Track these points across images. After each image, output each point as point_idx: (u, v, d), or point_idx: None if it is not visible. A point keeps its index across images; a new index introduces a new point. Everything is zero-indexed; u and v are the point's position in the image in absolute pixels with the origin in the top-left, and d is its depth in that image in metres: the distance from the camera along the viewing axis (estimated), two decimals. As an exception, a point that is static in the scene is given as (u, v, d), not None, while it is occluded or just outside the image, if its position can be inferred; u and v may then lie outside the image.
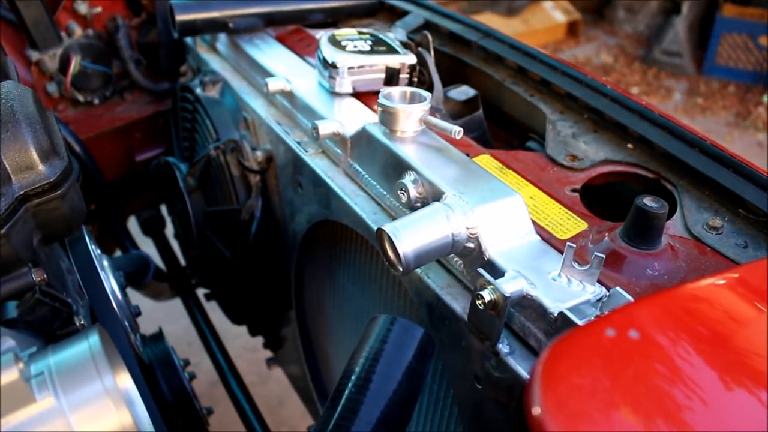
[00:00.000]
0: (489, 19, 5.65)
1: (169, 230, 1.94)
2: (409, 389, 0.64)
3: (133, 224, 2.06)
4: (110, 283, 1.12)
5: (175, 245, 1.95)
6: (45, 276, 0.77)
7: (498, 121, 1.33)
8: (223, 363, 1.66)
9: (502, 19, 5.83)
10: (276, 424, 2.61)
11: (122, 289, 1.19)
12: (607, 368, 0.42)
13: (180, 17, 1.38)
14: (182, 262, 1.92)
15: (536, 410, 0.38)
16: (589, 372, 0.42)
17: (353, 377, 0.63)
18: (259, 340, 1.84)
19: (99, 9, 1.84)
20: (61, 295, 0.78)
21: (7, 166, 0.75)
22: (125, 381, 0.65)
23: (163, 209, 2.02)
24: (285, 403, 2.73)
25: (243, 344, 2.86)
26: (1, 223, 0.72)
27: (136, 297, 1.84)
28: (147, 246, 1.95)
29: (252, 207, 1.28)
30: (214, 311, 1.83)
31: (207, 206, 1.42)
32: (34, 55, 1.78)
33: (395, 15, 1.56)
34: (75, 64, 1.80)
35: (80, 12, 1.81)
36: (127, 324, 1.13)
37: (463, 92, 1.25)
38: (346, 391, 0.61)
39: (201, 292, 1.87)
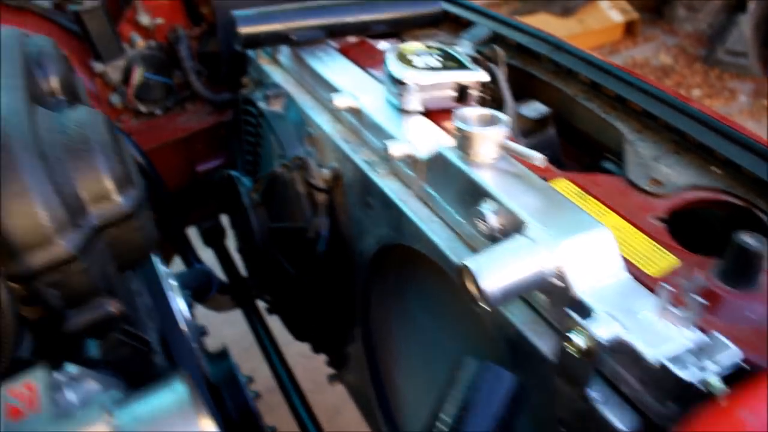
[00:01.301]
0: (544, 20, 5.56)
1: (230, 241, 1.94)
2: None
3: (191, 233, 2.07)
4: (179, 305, 1.12)
5: (235, 255, 1.95)
6: (122, 307, 0.76)
7: (568, 137, 1.29)
8: (284, 374, 1.65)
9: (557, 20, 5.73)
10: (332, 433, 2.60)
11: (190, 308, 1.18)
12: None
13: (243, 30, 1.37)
14: (242, 273, 1.92)
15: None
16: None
17: (444, 427, 0.60)
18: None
19: (160, 20, 1.85)
20: (142, 334, 0.77)
21: (83, 197, 0.74)
22: (208, 427, 0.63)
23: (223, 219, 2.02)
24: (341, 411, 2.72)
25: (299, 350, 2.84)
26: (79, 255, 0.71)
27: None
28: (206, 255, 1.96)
29: (319, 225, 1.26)
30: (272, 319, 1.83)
31: (271, 222, 1.41)
32: (98, 67, 1.80)
33: (459, 25, 1.52)
34: (138, 75, 1.81)
35: (142, 23, 1.82)
36: (196, 345, 1.12)
37: (535, 109, 1.21)
38: None
39: (261, 303, 1.86)
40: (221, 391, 1.22)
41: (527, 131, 1.21)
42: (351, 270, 1.28)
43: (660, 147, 1.06)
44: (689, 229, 1.06)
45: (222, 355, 1.34)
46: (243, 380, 1.30)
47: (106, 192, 0.75)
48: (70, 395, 0.67)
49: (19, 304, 0.69)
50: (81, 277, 0.72)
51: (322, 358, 1.86)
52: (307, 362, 2.85)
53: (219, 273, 1.91)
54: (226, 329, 3.03)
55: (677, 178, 0.99)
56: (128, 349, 0.74)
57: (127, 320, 0.79)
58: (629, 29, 6.11)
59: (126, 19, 1.83)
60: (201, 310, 2.28)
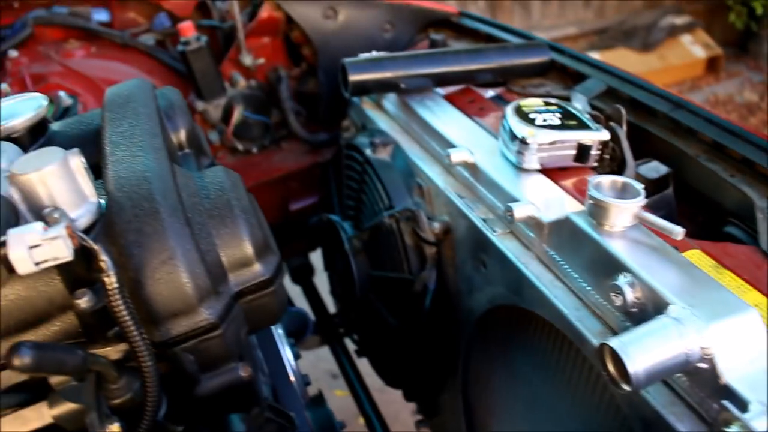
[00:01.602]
0: (623, 55, 5.47)
1: (319, 280, 1.95)
2: None
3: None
4: (286, 355, 1.12)
5: (323, 293, 1.96)
6: (252, 371, 0.76)
7: (682, 194, 1.25)
8: (371, 413, 1.64)
9: (637, 55, 5.64)
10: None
11: (296, 358, 1.18)
12: None
13: (353, 78, 1.38)
14: (331, 310, 1.93)
15: None
16: None
17: None
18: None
19: (262, 60, 1.88)
20: (287, 412, 0.77)
21: (225, 263, 0.74)
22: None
23: (312, 256, 2.04)
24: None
25: (370, 383, 2.85)
26: (219, 321, 0.71)
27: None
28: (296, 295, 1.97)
29: (426, 278, 1.25)
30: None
31: (372, 269, 1.40)
32: (200, 105, 1.84)
33: (566, 75, 1.50)
34: (237, 114, 1.85)
35: (245, 63, 1.86)
36: (301, 396, 1.12)
37: (654, 169, 1.17)
38: None
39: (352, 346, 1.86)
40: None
41: (645, 191, 1.17)
42: (456, 324, 1.26)
43: (794, 215, 1.02)
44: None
45: (318, 400, 1.34)
46: (338, 425, 1.30)
47: (247, 259, 0.76)
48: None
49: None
50: (217, 343, 0.73)
51: (391, 392, 1.85)
52: (378, 396, 2.84)
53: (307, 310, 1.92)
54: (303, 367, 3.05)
55: (815, 251, 0.94)
56: (274, 427, 0.74)
57: (252, 384, 0.79)
58: (712, 65, 5.97)
59: (229, 58, 1.87)
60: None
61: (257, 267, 0.75)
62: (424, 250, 1.25)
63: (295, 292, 1.97)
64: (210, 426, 0.74)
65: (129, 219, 0.71)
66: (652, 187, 1.18)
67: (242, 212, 0.76)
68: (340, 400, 2.90)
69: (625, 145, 1.13)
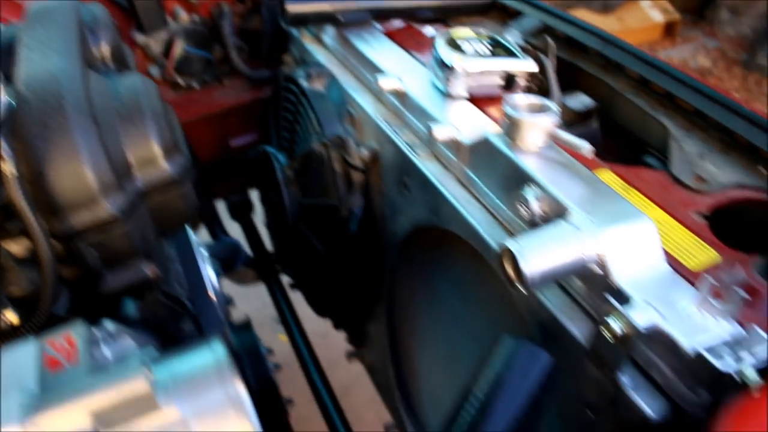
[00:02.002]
0: (582, 16, 5.46)
1: (257, 216, 1.95)
2: (532, 418, 0.61)
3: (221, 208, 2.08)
4: (208, 274, 1.13)
5: (262, 230, 1.96)
6: (158, 271, 0.77)
7: (609, 131, 1.28)
8: (304, 349, 1.66)
9: (596, 16, 5.66)
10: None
11: (219, 278, 1.19)
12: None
13: (291, 8, 1.37)
14: (269, 247, 1.93)
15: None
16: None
17: (475, 402, 0.60)
18: (329, 326, 1.83)
19: (206, -5, 1.85)
20: (180, 296, 0.78)
21: (131, 161, 0.75)
22: (241, 389, 0.64)
23: (251, 194, 2.04)
24: (351, 392, 2.73)
25: (313, 329, 2.86)
26: (122, 217, 0.72)
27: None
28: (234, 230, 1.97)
29: (352, 204, 1.26)
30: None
31: (303, 198, 1.41)
32: (140, 38, 1.81)
33: (507, 14, 1.51)
34: (179, 48, 1.82)
35: (188, -2, 1.83)
36: (222, 314, 1.13)
37: (580, 102, 1.20)
38: (467, 415, 0.59)
39: (285, 279, 1.87)
40: (242, 361, 1.23)
41: (570, 123, 1.20)
42: (381, 249, 1.28)
43: (707, 145, 1.05)
44: (732, 227, 1.05)
45: (245, 327, 1.35)
46: (264, 351, 1.32)
47: (153, 157, 0.76)
48: (107, 351, 0.68)
49: (58, 263, 0.70)
50: (121, 239, 0.73)
51: (335, 338, 1.87)
52: (321, 341, 2.86)
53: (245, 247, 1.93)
54: (242, 305, 3.06)
55: (722, 177, 0.98)
56: (166, 310, 0.75)
57: (162, 284, 0.80)
58: (669, 30, 6.02)
59: (170, -8, 1.84)
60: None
61: (164, 166, 0.76)
62: (352, 177, 1.26)
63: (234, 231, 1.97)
64: (104, 307, 0.75)
65: (35, 114, 0.71)
66: (579, 119, 1.21)
67: (152, 114, 0.77)
68: (284, 345, 2.93)
69: (552, 76, 1.15)
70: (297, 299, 1.81)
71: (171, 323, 0.79)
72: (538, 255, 0.72)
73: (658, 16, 5.94)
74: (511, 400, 0.60)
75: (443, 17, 1.52)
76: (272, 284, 1.90)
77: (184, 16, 1.84)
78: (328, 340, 2.52)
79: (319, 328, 2.82)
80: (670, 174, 0.99)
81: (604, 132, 1.27)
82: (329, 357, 2.74)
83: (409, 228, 1.14)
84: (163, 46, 1.83)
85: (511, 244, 0.73)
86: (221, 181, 2.01)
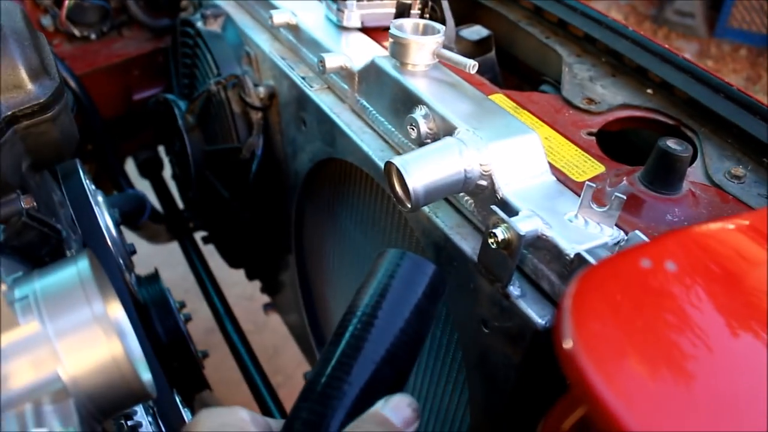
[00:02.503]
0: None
1: (167, 172, 1.90)
2: (418, 329, 0.61)
3: (130, 166, 2.02)
4: (104, 219, 1.08)
5: (173, 187, 1.91)
6: (34, 203, 0.73)
7: (510, 65, 1.28)
8: (221, 308, 1.63)
9: (512, -26, 5.71)
10: (271, 373, 2.60)
11: (117, 225, 1.15)
12: (642, 299, 0.38)
13: (182, -52, 1.32)
14: (180, 204, 1.88)
15: (567, 343, 0.34)
16: (623, 303, 0.38)
17: (358, 313, 0.59)
18: (256, 289, 1.81)
19: (98, -60, 1.77)
20: (51, 221, 0.74)
21: (-6, 83, 0.70)
22: (116, 311, 0.61)
23: (162, 151, 1.98)
24: (280, 352, 2.72)
25: (240, 293, 2.84)
26: (-12, 144, 0.68)
27: (132, 239, 1.81)
28: (145, 189, 1.91)
29: (253, 145, 1.23)
30: (211, 258, 1.80)
31: (206, 145, 1.37)
32: (28, -15, 1.72)
33: (406, -48, 1.49)
34: (71, -4, 1.74)
35: (76, -58, 1.74)
36: (121, 261, 1.09)
37: (475, 32, 1.19)
38: (350, 327, 0.57)
39: (199, 236, 1.83)
40: (149, 311, 1.20)
41: (467, 55, 1.19)
42: (285, 191, 1.26)
43: (597, 69, 1.06)
44: (623, 152, 1.07)
45: (153, 278, 1.31)
46: (173, 303, 1.28)
47: (18, 81, 0.72)
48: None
49: None
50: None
51: (261, 300, 1.85)
52: (247, 304, 2.84)
53: (157, 206, 1.88)
54: (166, 272, 3.00)
55: (611, 98, 0.99)
56: (35, 234, 0.71)
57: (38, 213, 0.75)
58: (582, -13, 6.11)
59: (60, -63, 1.75)
60: (142, 251, 2.24)
61: (31, 89, 0.72)
62: (251, 117, 1.23)
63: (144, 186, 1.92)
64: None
65: None
66: (475, 50, 1.21)
67: (13, 33, 0.72)
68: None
69: (446, 5, 1.14)
70: (217, 264, 1.77)
71: (47, 250, 0.75)
72: (422, 169, 0.72)
73: (571, -28, 6.01)
74: (395, 312, 0.58)
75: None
76: (185, 242, 1.86)
77: (75, -38, 1.75)
78: (256, 302, 2.49)
79: (245, 291, 2.80)
80: (561, 97, 0.99)
81: (506, 66, 1.28)
82: (257, 320, 2.73)
83: (309, 164, 1.13)
84: (53, -5, 1.75)
85: (396, 159, 0.73)
86: (128, 137, 1.94)
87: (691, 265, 0.42)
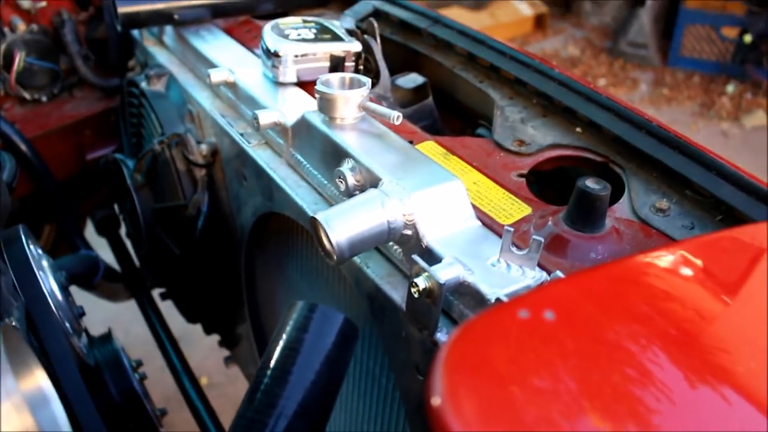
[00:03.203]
0: (456, 13, 5.63)
1: (124, 229, 1.90)
2: (330, 379, 0.61)
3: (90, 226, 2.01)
4: (49, 284, 1.08)
5: (129, 244, 1.91)
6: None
7: (451, 109, 1.31)
8: (178, 365, 1.62)
9: (470, 13, 5.82)
10: (243, 425, 2.57)
11: (63, 289, 1.15)
12: (517, 354, 0.39)
13: (122, 9, 1.34)
14: (137, 261, 1.88)
15: (435, 401, 0.35)
16: (497, 358, 0.39)
17: (270, 369, 0.60)
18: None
19: (43, 3, 1.79)
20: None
21: None
22: (39, 381, 0.61)
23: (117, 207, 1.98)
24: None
25: (211, 344, 2.81)
26: None
27: (95, 300, 1.80)
28: (105, 247, 1.91)
29: (198, 202, 1.24)
30: (176, 312, 1.80)
31: (155, 203, 1.38)
32: (-25, 52, 1.73)
33: (347, 5, 1.53)
34: (19, 60, 1.75)
35: (23, 6, 1.76)
36: (68, 325, 1.09)
37: (411, 80, 1.22)
38: (263, 384, 0.58)
39: (157, 292, 1.82)
40: (102, 373, 1.19)
41: (406, 102, 1.22)
42: (233, 245, 1.27)
43: (528, 111, 1.09)
44: (561, 189, 1.10)
45: (105, 339, 1.30)
46: (128, 362, 1.27)
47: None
48: None
49: None
50: None
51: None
52: (219, 354, 2.81)
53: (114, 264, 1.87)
54: (135, 327, 2.96)
55: (541, 138, 1.01)
56: None
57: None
58: (539, 22, 6.26)
59: (5, 1, 1.76)
60: (112, 309, 2.22)
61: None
62: (195, 174, 1.24)
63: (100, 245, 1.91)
64: None
65: None
66: (413, 97, 1.23)
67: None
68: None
69: (379, 56, 1.17)
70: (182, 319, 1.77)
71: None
72: (344, 222, 0.73)
73: (527, 10, 6.16)
74: (306, 365, 0.59)
75: (284, 11, 1.52)
76: (143, 300, 1.85)
77: (22, 26, 1.77)
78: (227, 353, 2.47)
79: (215, 343, 2.78)
80: (493, 140, 1.02)
81: (449, 111, 1.30)
82: (228, 371, 2.70)
83: (252, 218, 1.14)
84: (2, 59, 1.75)
85: (319, 215, 0.74)
86: (84, 196, 1.94)
87: (569, 313, 0.44)
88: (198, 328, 1.89)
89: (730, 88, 5.12)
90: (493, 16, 5.97)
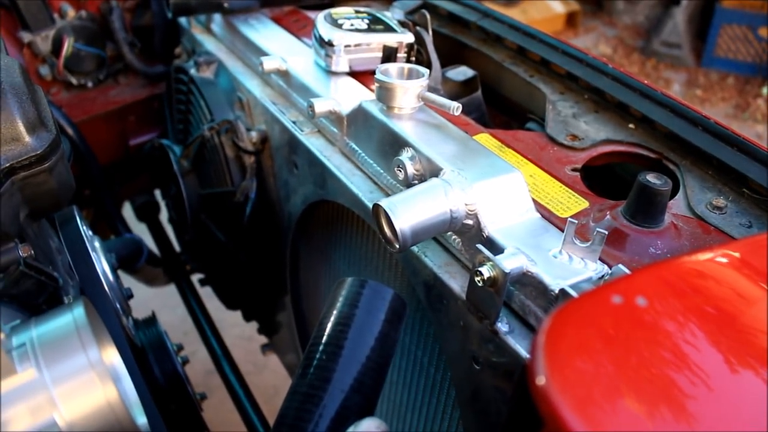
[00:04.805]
0: (487, 10, 5.61)
1: (164, 215, 1.92)
2: (382, 354, 0.62)
3: (128, 211, 2.04)
4: (101, 264, 1.10)
5: (169, 231, 1.93)
6: (32, 252, 0.75)
7: (498, 104, 1.31)
8: (218, 350, 1.64)
9: (501, 9, 5.77)
10: (271, 413, 2.59)
11: (114, 270, 1.17)
12: (614, 336, 0.40)
13: (174, -2, 1.36)
14: (177, 247, 1.90)
15: (540, 380, 0.36)
16: (595, 340, 0.40)
17: (322, 344, 0.60)
18: (255, 329, 1.82)
19: (92, -10, 1.81)
20: (48, 269, 0.76)
21: (-8, 137, 0.73)
22: (112, 356, 0.63)
23: (158, 194, 2.00)
24: (280, 392, 2.71)
25: (239, 333, 2.85)
26: (-13, 196, 0.70)
27: (130, 283, 1.82)
28: (142, 233, 1.93)
29: (247, 188, 1.25)
30: (210, 300, 1.81)
31: (201, 189, 1.40)
32: (26, 37, 1.75)
33: (393, -3, 1.53)
34: (68, 46, 1.77)
35: (73, -8, 1.78)
36: (118, 305, 1.11)
37: (461, 72, 1.22)
38: (316, 359, 0.59)
39: (196, 278, 1.84)
40: (147, 355, 1.21)
41: (454, 95, 1.22)
42: (279, 233, 1.28)
43: (580, 106, 1.09)
44: (608, 185, 1.10)
45: (150, 321, 1.32)
46: (171, 346, 1.29)
47: (16, 133, 0.74)
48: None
49: None
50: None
51: (260, 340, 1.85)
52: (247, 344, 2.85)
53: (154, 249, 1.89)
54: (165, 314, 3.00)
55: (594, 134, 1.01)
56: (33, 282, 0.73)
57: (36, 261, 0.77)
58: (570, 20, 6.21)
59: (56, -12, 1.79)
60: (141, 294, 2.25)
61: (29, 141, 0.74)
62: (244, 161, 1.25)
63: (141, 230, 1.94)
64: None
65: None
66: (462, 90, 1.23)
67: (11, 87, 0.75)
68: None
69: (431, 48, 1.17)
70: (215, 305, 1.78)
71: (44, 298, 0.77)
72: (409, 210, 0.74)
73: (559, 7, 6.12)
74: (359, 340, 0.60)
75: (332, 2, 1.53)
76: (183, 285, 1.87)
77: (71, 12, 1.79)
78: (255, 342, 2.49)
79: (244, 332, 2.80)
80: (546, 134, 1.02)
81: (494, 105, 1.31)
82: (257, 361, 2.73)
83: (302, 206, 1.15)
84: (51, 45, 1.78)
85: (383, 201, 0.75)
86: (125, 181, 1.97)
87: (661, 299, 0.44)
88: (226, 316, 1.91)
89: (766, 90, 5.06)
90: (524, 12, 5.94)
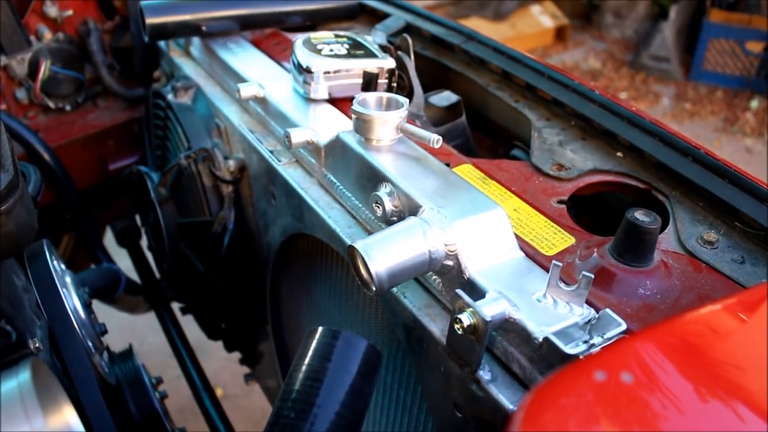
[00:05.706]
0: (476, 24, 5.60)
1: (145, 241, 1.88)
2: (355, 410, 0.58)
3: (110, 235, 2.00)
4: (72, 301, 1.06)
5: (150, 256, 1.89)
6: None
7: (483, 128, 1.28)
8: (197, 379, 1.59)
9: (490, 24, 5.79)
10: (258, 438, 2.55)
11: (86, 306, 1.12)
12: (594, 420, 0.36)
13: (150, 20, 1.32)
14: (157, 274, 1.86)
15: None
16: (576, 424, 0.36)
17: (291, 401, 0.57)
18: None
19: (70, 12, 1.77)
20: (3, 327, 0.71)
21: (-56, 179, 0.69)
22: (67, 417, 0.59)
23: (139, 219, 1.96)
24: (268, 415, 2.66)
25: (227, 355, 2.79)
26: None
27: (112, 311, 1.78)
28: (123, 257, 1.89)
29: (224, 219, 1.22)
30: (195, 323, 1.77)
31: (180, 217, 1.36)
32: (2, 60, 1.71)
33: (376, 18, 1.50)
34: (44, 69, 1.73)
35: (50, 15, 1.75)
36: (90, 343, 1.07)
37: (444, 98, 1.19)
38: (284, 417, 0.55)
39: (177, 306, 1.80)
40: (123, 392, 1.17)
41: (438, 120, 1.19)
42: (259, 264, 1.24)
43: (567, 133, 1.06)
44: (596, 213, 1.06)
45: (126, 355, 1.28)
46: (148, 380, 1.25)
47: (-33, 174, 0.70)
48: None
49: None
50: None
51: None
52: (234, 367, 2.80)
53: (134, 275, 1.85)
54: (151, 336, 2.95)
55: (581, 163, 0.98)
56: None
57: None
58: (560, 34, 6.22)
59: (32, 10, 1.75)
60: (123, 317, 2.20)
61: (-19, 184, 0.70)
62: (222, 190, 1.21)
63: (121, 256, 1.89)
64: None
65: None
66: (446, 116, 1.20)
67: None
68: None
69: (413, 73, 1.14)
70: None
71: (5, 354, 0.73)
72: (385, 252, 0.70)
73: (548, 22, 6.12)
74: (330, 397, 0.56)
75: (313, 24, 1.50)
76: (162, 313, 1.82)
77: (48, 34, 1.76)
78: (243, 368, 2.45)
79: (233, 354, 2.76)
80: (531, 164, 0.98)
81: (480, 128, 1.27)
82: (244, 383, 2.68)
83: (281, 238, 1.11)
84: (28, 68, 1.74)
85: (358, 244, 0.71)
86: (105, 206, 1.92)
87: (647, 375, 0.41)
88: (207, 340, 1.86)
89: (755, 103, 5.06)
90: (513, 27, 5.94)
